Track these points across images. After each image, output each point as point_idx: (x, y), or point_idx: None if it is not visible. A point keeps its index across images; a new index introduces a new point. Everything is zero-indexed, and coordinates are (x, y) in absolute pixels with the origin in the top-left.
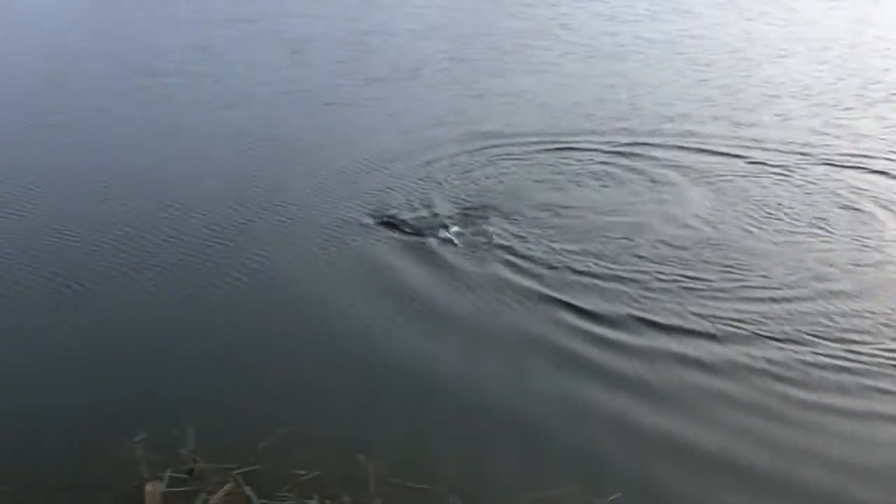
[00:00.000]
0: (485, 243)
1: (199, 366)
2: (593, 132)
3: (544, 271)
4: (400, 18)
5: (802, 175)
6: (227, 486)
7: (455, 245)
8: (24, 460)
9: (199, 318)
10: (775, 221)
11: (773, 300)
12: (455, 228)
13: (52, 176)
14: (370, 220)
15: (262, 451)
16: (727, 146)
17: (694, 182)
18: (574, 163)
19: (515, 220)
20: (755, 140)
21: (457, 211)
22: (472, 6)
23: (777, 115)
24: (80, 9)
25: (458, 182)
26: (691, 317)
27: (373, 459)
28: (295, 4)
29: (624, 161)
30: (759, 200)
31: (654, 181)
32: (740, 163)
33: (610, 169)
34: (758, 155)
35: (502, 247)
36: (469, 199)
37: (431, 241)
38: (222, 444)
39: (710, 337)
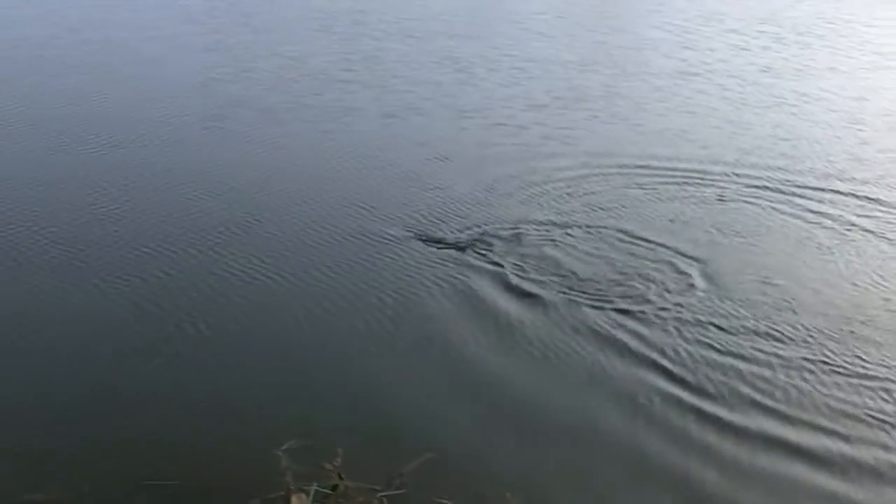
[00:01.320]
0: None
1: (349, 383)
2: (758, 178)
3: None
4: (557, 49)
5: None
6: None
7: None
8: (183, 459)
9: (354, 339)
10: None
11: None
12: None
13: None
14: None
15: (407, 474)
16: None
17: (862, 240)
18: (733, 209)
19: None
20: None
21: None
22: (628, 43)
23: None
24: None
25: (624, 213)
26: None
27: (516, 498)
28: (460, 25)
29: (792, 210)
30: None
31: (822, 236)
32: None
33: (777, 220)
34: None
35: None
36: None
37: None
38: (366, 462)
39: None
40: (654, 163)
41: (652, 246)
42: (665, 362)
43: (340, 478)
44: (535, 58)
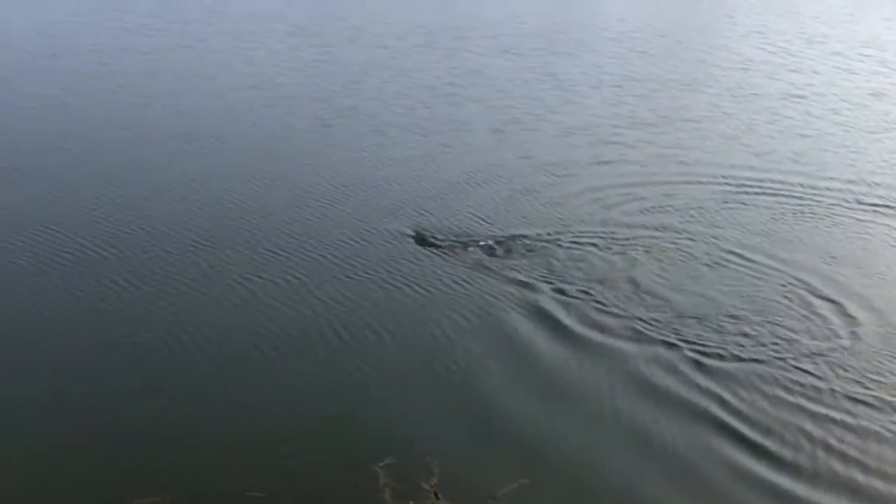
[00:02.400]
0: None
1: (448, 402)
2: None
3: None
4: (658, 68)
5: None
6: None
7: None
8: (282, 473)
9: (457, 357)
10: None
11: None
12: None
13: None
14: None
15: (501, 498)
16: None
17: None
18: (855, 235)
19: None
20: None
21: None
22: (731, 63)
23: None
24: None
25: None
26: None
27: None
28: (559, 42)
29: None
30: None
31: None
32: None
33: None
34: None
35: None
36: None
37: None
38: (462, 482)
39: None
40: (769, 185)
41: (777, 274)
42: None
43: (437, 497)
44: (637, 76)
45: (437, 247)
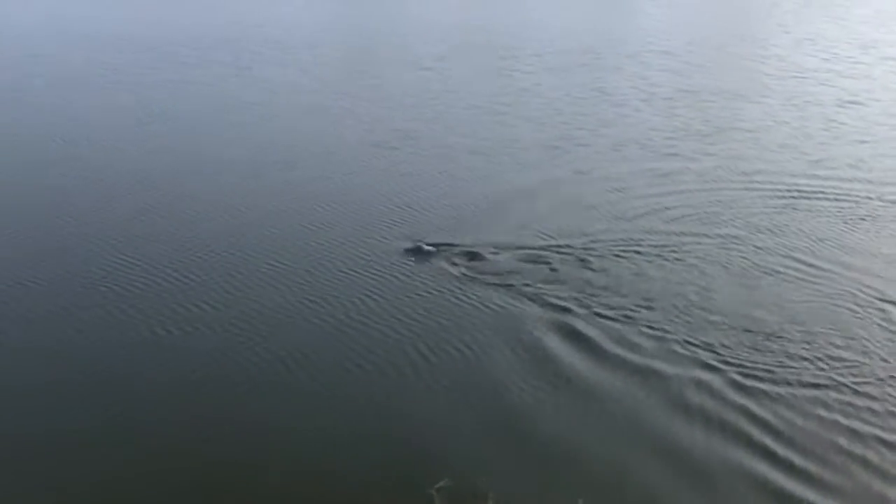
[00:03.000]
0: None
1: (503, 425)
2: None
3: None
4: (709, 78)
5: None
6: None
7: None
8: (339, 491)
9: (506, 385)
10: None
11: None
12: None
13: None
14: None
15: None
16: None
17: None
18: None
19: None
20: None
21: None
22: (783, 71)
23: None
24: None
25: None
26: None
27: None
28: (606, 57)
29: None
30: None
31: None
32: None
33: None
34: None
35: None
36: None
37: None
38: None
39: None
40: (833, 192)
41: (841, 281)
42: None
43: None
44: (689, 87)
45: (494, 265)
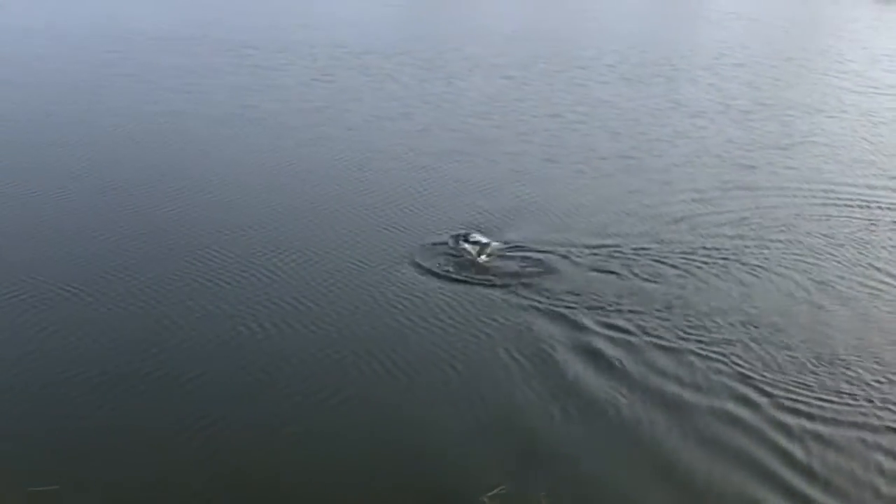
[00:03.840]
0: None
1: (556, 433)
2: None
3: None
4: (787, 92)
5: None
6: None
7: None
8: (387, 499)
9: (562, 393)
10: None
11: None
12: None
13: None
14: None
15: None
16: None
17: None
18: None
19: None
20: None
21: None
22: (862, 87)
23: None
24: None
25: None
26: None
27: None
28: (680, 69)
29: None
30: None
31: None
32: None
33: None
34: None
35: None
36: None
37: None
38: None
39: None
40: None
41: None
42: None
43: None
44: (765, 101)
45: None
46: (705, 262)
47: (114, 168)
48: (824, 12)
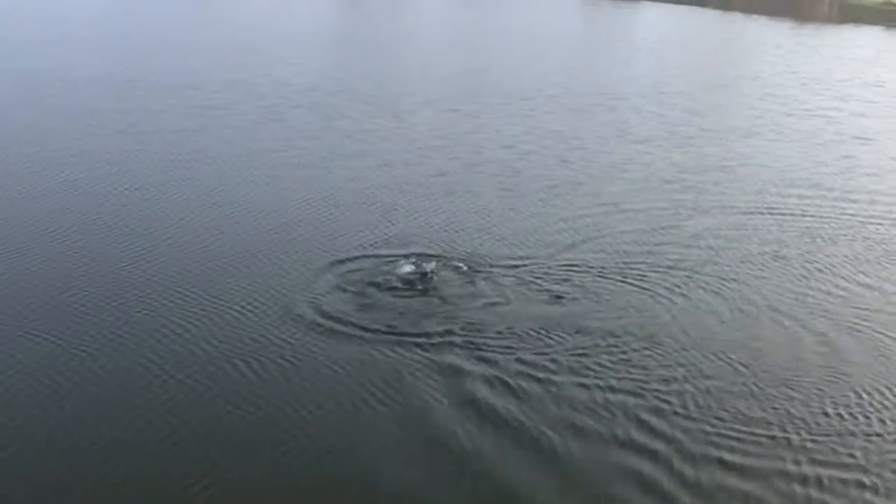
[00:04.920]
0: None
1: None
2: None
3: None
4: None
5: None
6: None
7: None
8: None
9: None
10: None
11: None
12: None
13: None
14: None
15: None
16: None
17: None
18: None
19: None
20: None
21: None
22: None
23: None
24: None
25: None
26: None
27: None
28: (625, 101)
29: None
30: None
31: None
32: None
33: None
34: None
35: None
36: None
37: None
38: None
39: None
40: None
41: None
42: None
43: None
44: (707, 126)
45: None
46: (648, 276)
47: (59, 216)
48: (747, 36)
